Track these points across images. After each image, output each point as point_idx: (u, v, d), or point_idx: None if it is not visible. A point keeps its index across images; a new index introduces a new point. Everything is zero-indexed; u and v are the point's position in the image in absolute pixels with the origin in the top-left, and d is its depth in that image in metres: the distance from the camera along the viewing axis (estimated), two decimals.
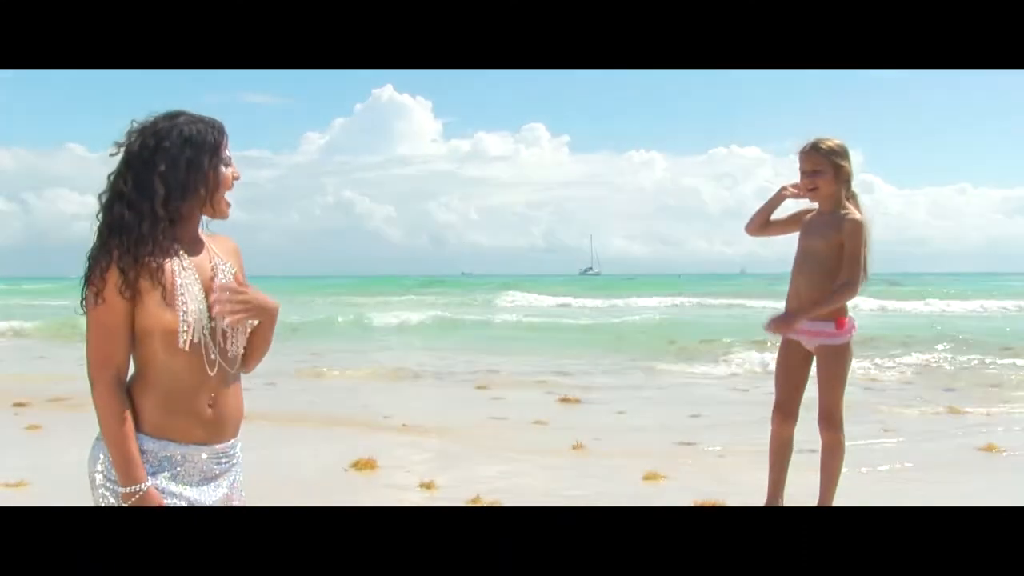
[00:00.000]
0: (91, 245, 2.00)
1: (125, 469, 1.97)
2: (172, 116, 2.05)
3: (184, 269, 2.04)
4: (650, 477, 5.51)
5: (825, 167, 4.06)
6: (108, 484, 2.00)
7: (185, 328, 1.99)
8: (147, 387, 2.03)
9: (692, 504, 4.79)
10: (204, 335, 2.03)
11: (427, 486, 5.28)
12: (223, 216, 2.13)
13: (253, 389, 8.56)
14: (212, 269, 2.11)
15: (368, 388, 9.93)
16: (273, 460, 5.94)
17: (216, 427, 2.09)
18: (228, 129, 2.10)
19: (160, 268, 1.99)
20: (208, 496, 2.09)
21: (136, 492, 1.96)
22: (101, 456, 2.02)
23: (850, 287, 4.01)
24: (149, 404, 2.02)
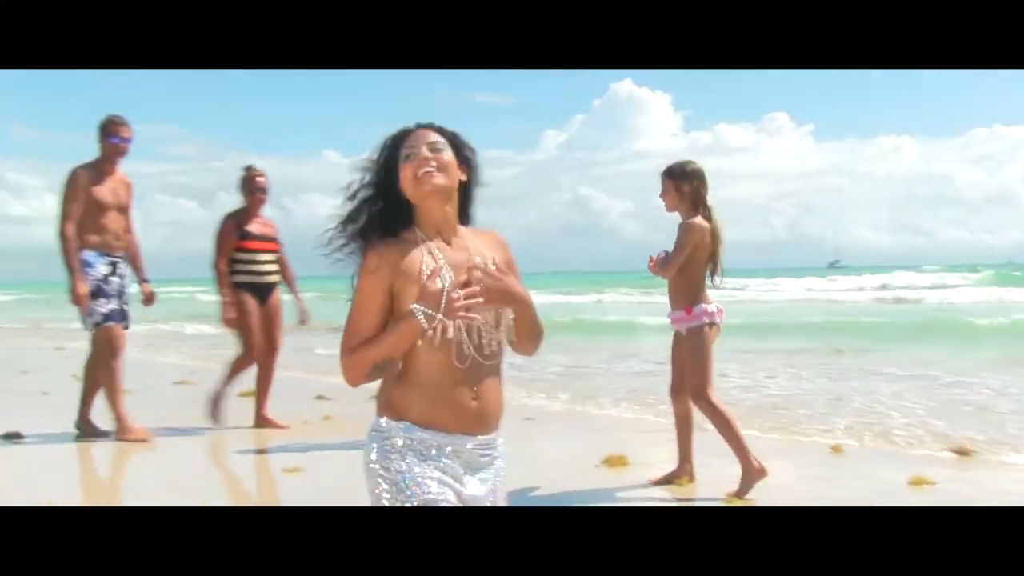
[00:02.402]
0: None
1: (400, 331, 2.06)
2: None
3: (437, 265, 2.11)
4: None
5: (668, 187, 5.08)
6: (382, 472, 2.10)
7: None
8: (413, 379, 2.12)
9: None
10: (459, 330, 2.09)
11: (680, 483, 5.14)
12: (416, 199, 2.17)
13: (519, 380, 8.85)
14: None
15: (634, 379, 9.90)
16: (524, 454, 6.07)
17: (480, 418, 2.15)
18: (467, 129, 2.21)
19: (410, 262, 2.09)
20: (476, 487, 2.16)
21: (419, 315, 2.04)
22: (374, 447, 2.12)
23: (664, 264, 4.97)
24: (416, 395, 2.11)
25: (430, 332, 2.05)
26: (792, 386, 9.29)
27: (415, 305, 2.04)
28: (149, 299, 6.91)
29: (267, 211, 7.15)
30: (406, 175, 2.14)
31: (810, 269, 74.14)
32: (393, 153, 2.18)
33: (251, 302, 6.94)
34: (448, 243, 2.18)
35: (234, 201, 7.09)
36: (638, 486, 5.20)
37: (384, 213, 2.17)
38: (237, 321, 6.92)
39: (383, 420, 2.14)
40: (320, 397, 8.67)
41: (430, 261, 2.11)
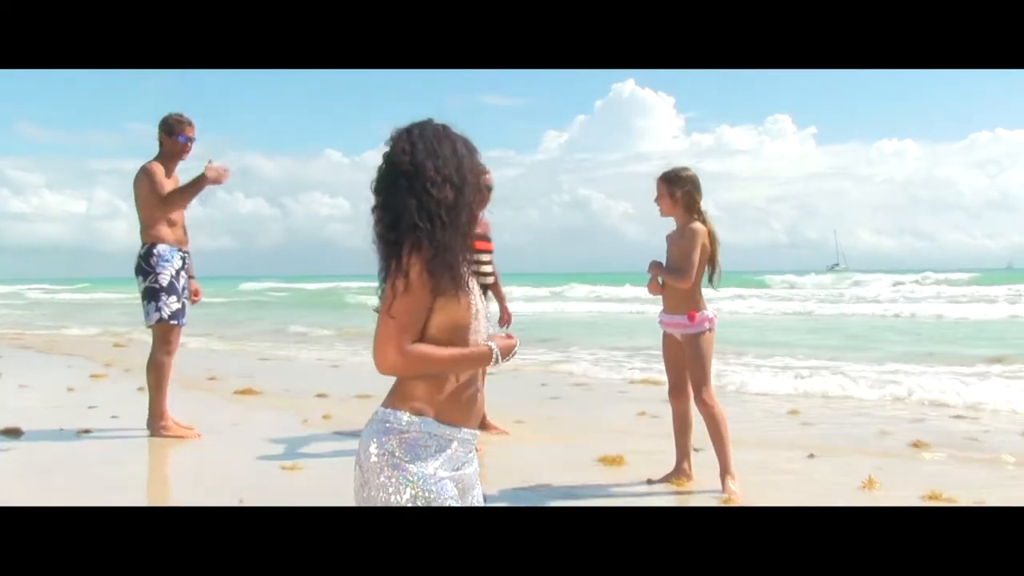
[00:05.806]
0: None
1: (475, 359, 2.12)
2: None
3: (481, 305, 2.20)
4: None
5: (662, 191, 5.15)
6: (396, 469, 2.05)
7: (476, 329, 2.14)
8: (438, 375, 2.11)
9: None
10: (487, 331, 2.19)
11: (678, 483, 5.20)
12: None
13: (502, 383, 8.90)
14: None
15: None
16: (517, 454, 6.10)
17: (479, 413, 2.22)
18: (473, 129, 2.19)
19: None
20: (471, 478, 2.20)
21: (491, 352, 2.13)
22: (385, 439, 2.07)
23: (681, 273, 5.05)
24: (438, 390, 2.11)
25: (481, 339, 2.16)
26: None
27: (495, 345, 2.14)
28: (196, 295, 6.82)
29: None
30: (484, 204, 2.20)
31: (811, 272, 73.10)
32: (477, 174, 2.18)
33: None
34: None
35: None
36: (636, 484, 5.25)
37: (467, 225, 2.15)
38: None
39: (403, 415, 2.09)
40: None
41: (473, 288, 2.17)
